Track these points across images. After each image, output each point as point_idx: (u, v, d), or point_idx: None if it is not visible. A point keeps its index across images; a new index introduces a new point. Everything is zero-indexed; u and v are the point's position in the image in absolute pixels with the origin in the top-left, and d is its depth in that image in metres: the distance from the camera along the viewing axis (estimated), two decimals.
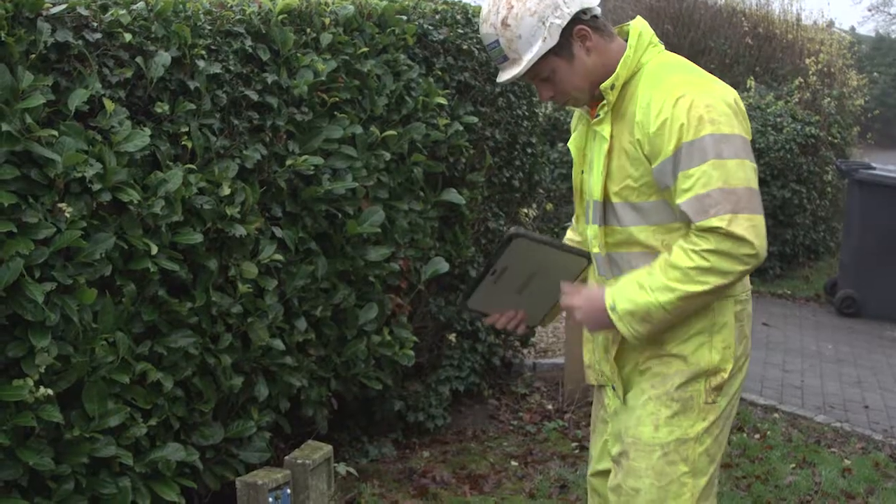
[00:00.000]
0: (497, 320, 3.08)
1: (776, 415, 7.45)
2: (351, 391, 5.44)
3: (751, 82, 13.57)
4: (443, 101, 5.64)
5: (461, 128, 5.85)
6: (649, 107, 2.74)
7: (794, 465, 6.30)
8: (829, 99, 13.61)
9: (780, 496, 5.70)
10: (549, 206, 9.97)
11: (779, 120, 12.39)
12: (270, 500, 3.76)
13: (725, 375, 2.80)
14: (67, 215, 3.61)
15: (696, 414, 2.78)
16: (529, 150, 7.03)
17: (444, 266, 5.70)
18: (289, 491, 3.86)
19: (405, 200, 5.46)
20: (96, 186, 3.73)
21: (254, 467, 4.18)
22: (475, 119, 5.99)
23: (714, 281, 2.64)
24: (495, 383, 7.30)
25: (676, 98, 2.70)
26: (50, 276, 3.61)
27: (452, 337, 6.34)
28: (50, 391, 3.56)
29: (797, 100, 13.09)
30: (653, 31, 2.92)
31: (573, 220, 3.25)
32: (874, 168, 11.21)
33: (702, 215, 2.64)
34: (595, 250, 2.94)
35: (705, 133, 2.66)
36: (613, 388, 2.95)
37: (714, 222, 2.62)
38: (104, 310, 3.83)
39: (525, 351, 7.79)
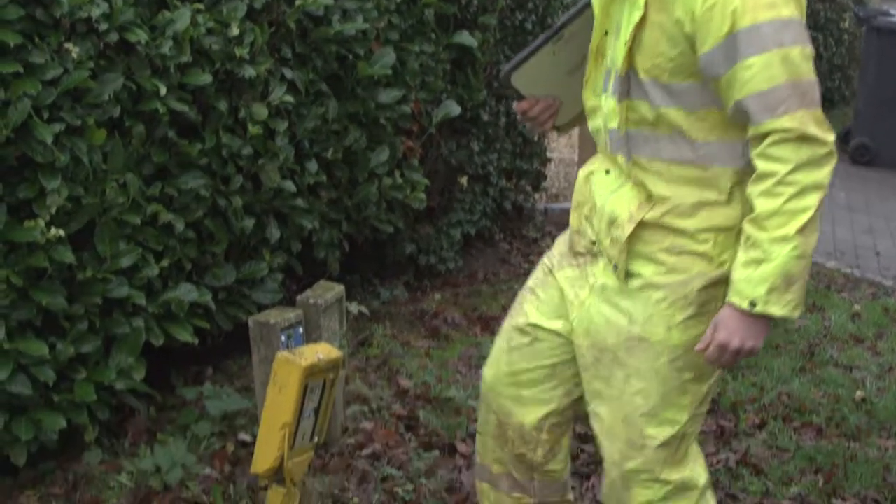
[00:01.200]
0: (532, 107, 2.79)
1: None
2: (363, 234, 5.44)
3: None
4: None
5: None
6: None
7: (803, 310, 6.33)
8: None
9: (790, 339, 5.74)
10: None
11: None
12: (283, 339, 3.78)
13: (726, 268, 2.53)
14: (74, 56, 3.56)
15: (712, 319, 2.51)
16: None
17: (455, 109, 5.64)
18: (301, 330, 3.88)
19: (416, 42, 5.36)
20: (103, 26, 3.66)
21: (266, 308, 4.20)
22: None
23: (815, 199, 2.35)
24: (506, 227, 7.30)
25: None
26: (58, 117, 3.57)
27: (464, 180, 6.31)
28: (61, 232, 3.56)
29: None
30: None
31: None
32: (892, 15, 10.99)
33: (767, 113, 2.35)
34: (611, 125, 2.60)
35: (764, 18, 2.34)
36: (615, 267, 2.62)
37: (785, 122, 2.34)
38: (114, 151, 3.80)
39: (536, 195, 7.77)
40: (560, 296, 2.81)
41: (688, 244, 2.54)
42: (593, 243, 2.73)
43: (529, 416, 2.87)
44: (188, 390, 4.40)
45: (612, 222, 2.61)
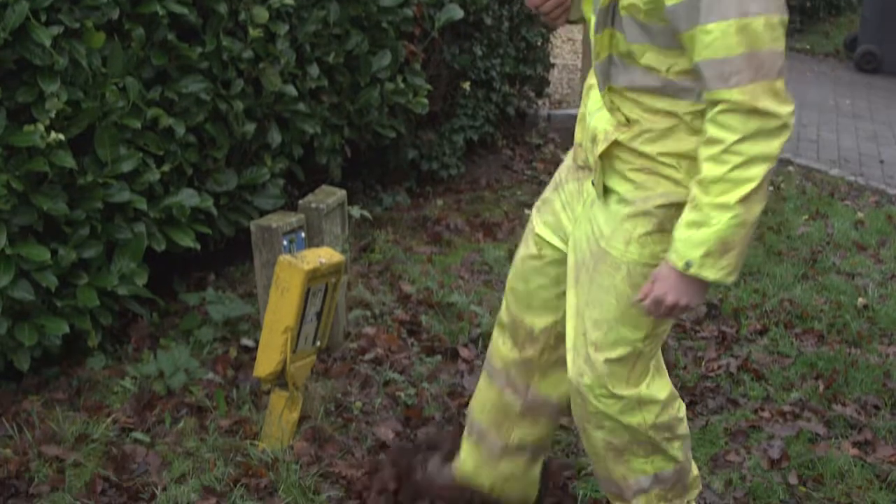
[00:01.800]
0: (544, 2, 2.70)
1: (791, 168, 7.44)
2: (364, 139, 5.41)
3: None
4: None
5: None
6: None
7: (806, 217, 6.32)
8: None
9: (792, 246, 5.74)
10: None
11: None
12: (284, 243, 3.78)
13: None
14: None
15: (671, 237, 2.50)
16: None
17: (458, 13, 5.57)
18: (303, 234, 3.88)
19: None
20: None
21: (268, 213, 4.18)
22: None
23: (760, 170, 2.33)
24: (509, 133, 7.26)
25: None
26: (56, 19, 3.52)
27: (466, 86, 6.26)
28: (62, 136, 3.53)
29: None
30: None
31: None
32: None
33: (720, 82, 2.32)
34: (598, 59, 2.57)
35: None
36: (594, 182, 2.66)
37: (735, 95, 2.30)
38: (113, 54, 3.76)
39: (540, 101, 7.72)
40: (562, 211, 2.83)
41: (655, 166, 2.54)
42: (587, 161, 2.74)
43: (539, 321, 2.91)
44: (190, 296, 4.40)
45: (594, 138, 2.63)
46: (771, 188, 6.84)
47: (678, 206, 2.49)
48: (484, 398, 3.09)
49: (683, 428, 2.84)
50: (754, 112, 2.31)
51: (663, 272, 2.47)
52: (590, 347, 2.67)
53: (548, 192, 2.92)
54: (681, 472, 2.87)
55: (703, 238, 2.38)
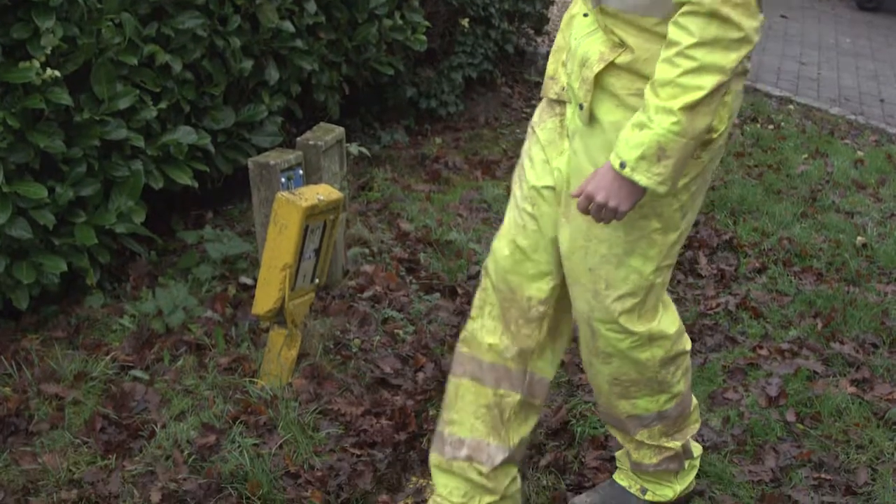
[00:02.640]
0: None
1: (791, 106, 7.40)
2: (362, 76, 5.37)
3: None
4: None
5: None
6: None
7: (806, 156, 6.30)
8: None
9: (792, 184, 5.73)
10: None
11: None
12: (283, 180, 3.76)
13: (715, 136, 2.51)
14: None
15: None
16: None
17: None
18: (301, 171, 3.86)
19: None
20: None
21: (266, 151, 4.16)
22: None
23: (710, 80, 2.27)
24: (508, 71, 7.22)
25: None
26: None
27: (465, 23, 6.20)
28: (57, 73, 3.50)
29: None
30: None
31: None
32: None
33: None
34: None
35: None
36: (581, 107, 2.57)
37: None
38: None
39: (539, 39, 7.66)
40: (545, 151, 2.75)
41: None
42: (563, 89, 2.68)
43: (535, 288, 2.76)
44: (189, 234, 4.40)
45: (584, 63, 2.54)
46: (771, 126, 6.84)
47: None
48: (472, 406, 2.84)
49: (687, 362, 2.83)
50: (715, 17, 2.24)
51: (601, 170, 2.41)
52: (599, 283, 2.61)
53: (526, 146, 2.82)
54: (683, 407, 2.87)
55: (641, 140, 2.32)
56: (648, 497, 2.97)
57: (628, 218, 2.52)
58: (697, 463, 3.05)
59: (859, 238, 4.99)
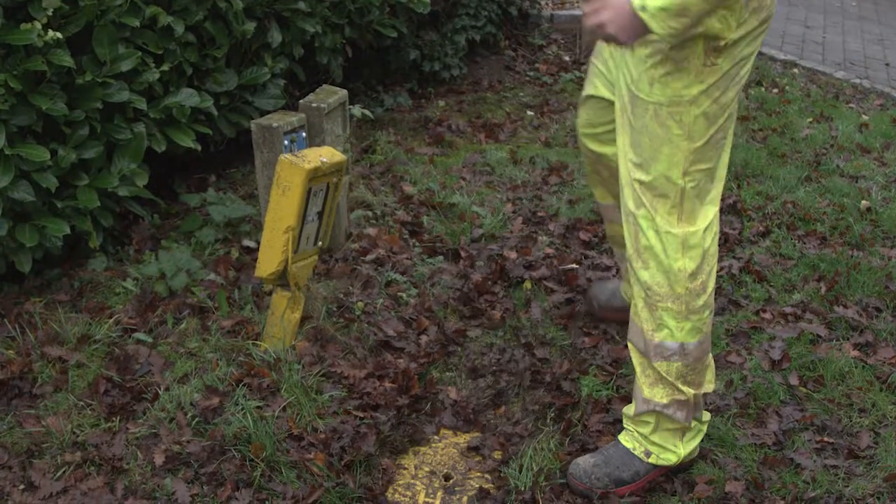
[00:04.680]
0: None
1: (795, 70, 7.37)
2: (365, 39, 5.34)
3: None
4: None
5: None
6: None
7: (811, 120, 6.28)
8: None
9: (796, 148, 5.71)
10: None
11: None
12: (286, 142, 3.75)
13: (726, 41, 2.62)
14: None
15: (693, 76, 2.65)
16: None
17: None
18: (304, 134, 3.84)
19: None
20: None
21: (268, 114, 4.15)
22: None
23: None
24: (512, 34, 7.18)
25: None
26: None
27: None
28: (59, 35, 3.48)
29: None
30: None
31: None
32: None
33: None
34: None
35: None
36: None
37: None
38: None
39: (542, 1, 7.62)
40: (610, 59, 3.06)
41: None
42: None
43: (611, 148, 3.23)
44: (191, 197, 4.39)
45: None
46: (776, 90, 6.81)
47: (693, 40, 2.60)
48: (614, 232, 3.52)
49: (712, 299, 2.91)
50: None
51: (621, 1, 2.53)
52: (637, 186, 2.81)
53: (597, 51, 3.19)
54: (703, 351, 2.92)
55: None
56: (652, 460, 2.98)
57: (651, 125, 2.73)
58: (704, 429, 3.06)
59: (863, 202, 4.97)
